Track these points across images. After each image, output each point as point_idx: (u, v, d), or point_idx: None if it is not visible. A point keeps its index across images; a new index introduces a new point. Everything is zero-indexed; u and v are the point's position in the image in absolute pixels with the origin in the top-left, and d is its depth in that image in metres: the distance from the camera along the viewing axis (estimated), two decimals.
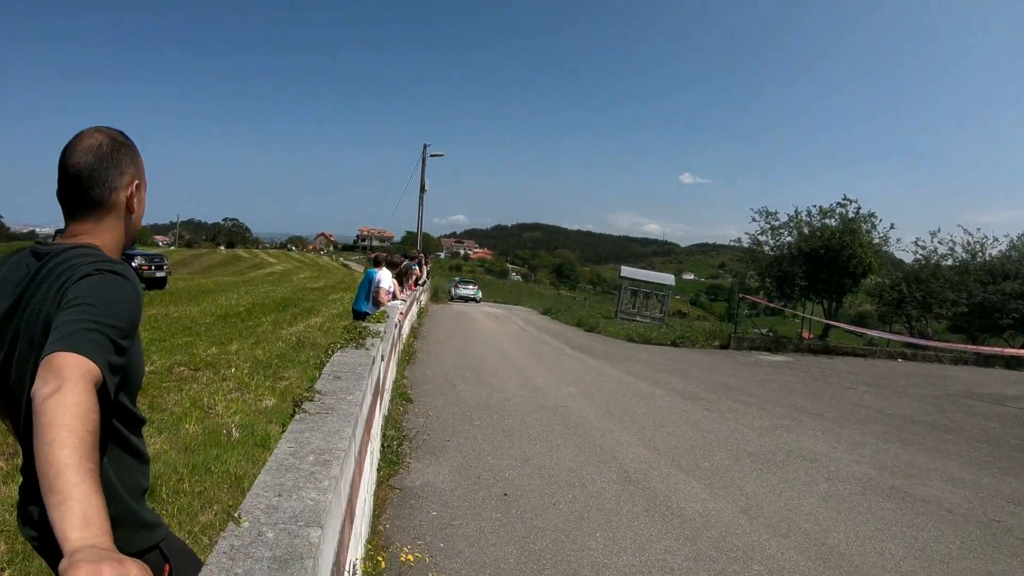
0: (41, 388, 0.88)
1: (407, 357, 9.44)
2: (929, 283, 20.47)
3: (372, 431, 3.23)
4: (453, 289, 32.07)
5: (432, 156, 27.89)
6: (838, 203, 20.39)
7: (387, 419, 5.25)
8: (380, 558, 2.90)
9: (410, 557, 3.02)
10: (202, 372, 6.83)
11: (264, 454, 4.26)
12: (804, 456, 5.62)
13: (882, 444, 6.31)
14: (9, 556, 2.72)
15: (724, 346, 15.83)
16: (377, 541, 3.22)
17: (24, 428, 1.15)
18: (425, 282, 16.77)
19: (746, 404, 8.03)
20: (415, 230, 30.26)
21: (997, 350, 15.82)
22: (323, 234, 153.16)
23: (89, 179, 1.18)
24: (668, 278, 29.50)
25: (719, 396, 8.52)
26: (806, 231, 20.63)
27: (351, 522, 1.90)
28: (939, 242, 21.40)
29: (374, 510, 3.50)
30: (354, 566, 2.03)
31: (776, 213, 21.49)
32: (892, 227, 20.27)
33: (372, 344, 3.45)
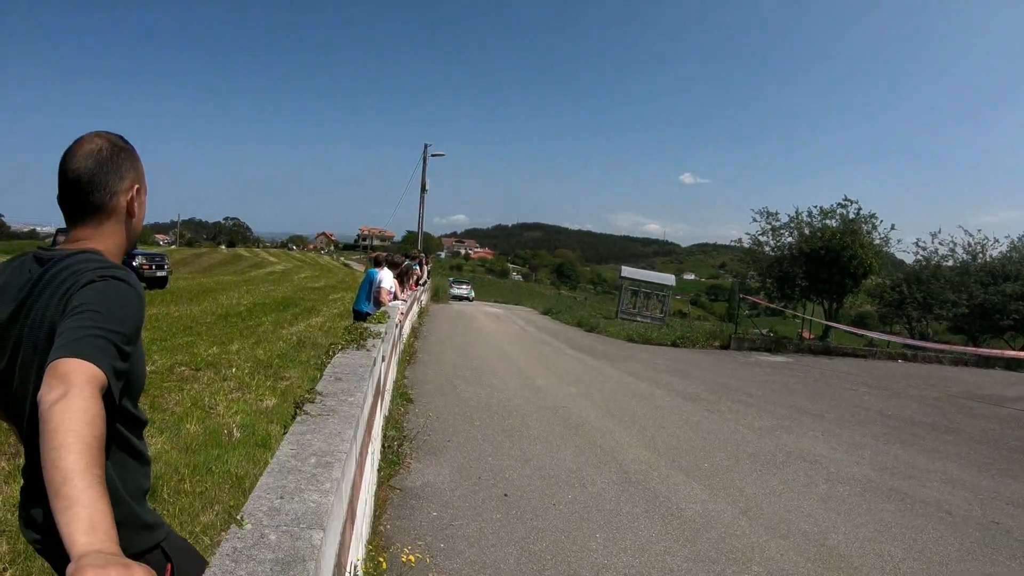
0: (47, 394, 0.89)
1: (408, 357, 9.45)
2: (930, 284, 20.46)
3: (373, 432, 3.24)
4: (448, 289, 32.35)
5: (433, 156, 27.91)
6: (839, 204, 20.41)
7: (388, 419, 5.26)
8: (382, 559, 2.91)
9: (411, 558, 3.03)
10: (203, 372, 6.84)
11: (265, 454, 4.27)
12: (804, 457, 5.63)
13: (882, 445, 6.32)
14: (11, 556, 2.73)
15: (724, 346, 15.83)
16: (378, 542, 3.23)
17: (28, 432, 1.16)
18: (426, 282, 16.78)
19: (746, 405, 8.04)
20: (416, 229, 30.27)
21: (996, 352, 15.81)
22: (324, 233, 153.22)
23: (90, 184, 1.19)
24: (669, 278, 29.50)
25: (719, 397, 8.52)
26: (807, 232, 20.63)
27: (352, 523, 1.91)
28: (940, 243, 21.42)
29: (375, 510, 3.51)
30: (355, 567, 2.04)
31: (777, 214, 21.51)
32: (893, 228, 20.30)
33: (373, 345, 3.46)
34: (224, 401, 5.66)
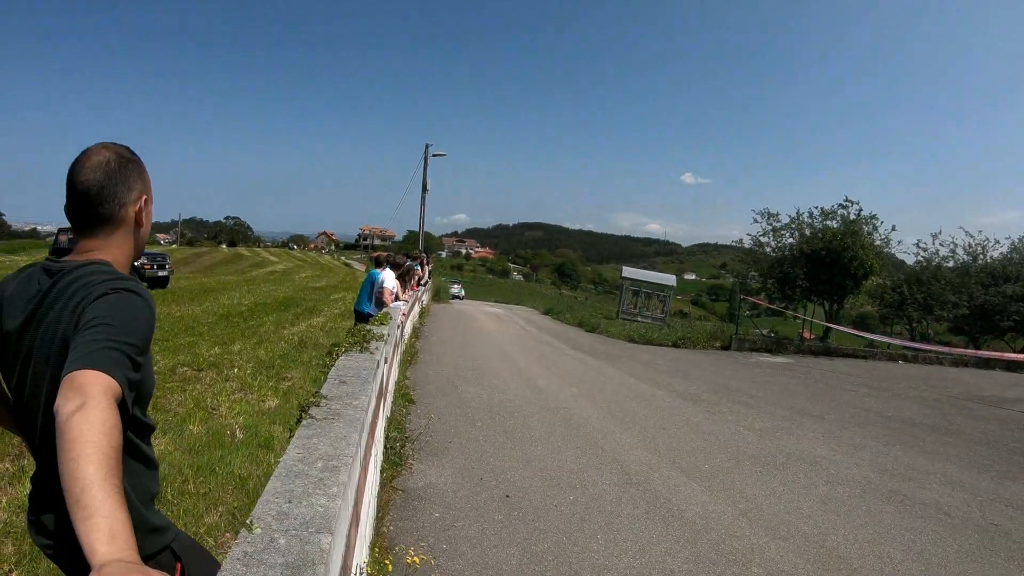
0: (65, 405, 0.90)
1: (409, 358, 9.47)
2: (930, 285, 20.44)
3: (376, 434, 3.27)
4: (449, 288, 32.51)
5: (434, 156, 27.90)
6: (840, 205, 20.39)
7: (390, 420, 5.28)
8: (387, 561, 2.94)
9: (416, 559, 3.05)
10: (205, 372, 6.86)
11: (268, 455, 4.29)
12: (804, 459, 5.65)
13: (882, 447, 6.33)
14: (17, 557, 2.75)
15: (725, 347, 15.84)
16: (381, 543, 3.25)
17: (40, 442, 1.18)
18: (427, 282, 16.79)
19: (747, 406, 8.05)
20: (417, 229, 30.27)
21: (995, 354, 15.80)
22: (325, 233, 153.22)
23: (98, 196, 1.20)
24: (669, 278, 29.48)
25: (720, 398, 8.54)
26: (808, 232, 20.62)
27: (357, 526, 1.93)
28: (940, 244, 21.39)
29: (378, 512, 3.53)
30: (360, 569, 2.06)
31: (778, 214, 21.49)
32: (893, 229, 20.28)
33: (376, 348, 3.48)
34: (227, 402, 5.68)
